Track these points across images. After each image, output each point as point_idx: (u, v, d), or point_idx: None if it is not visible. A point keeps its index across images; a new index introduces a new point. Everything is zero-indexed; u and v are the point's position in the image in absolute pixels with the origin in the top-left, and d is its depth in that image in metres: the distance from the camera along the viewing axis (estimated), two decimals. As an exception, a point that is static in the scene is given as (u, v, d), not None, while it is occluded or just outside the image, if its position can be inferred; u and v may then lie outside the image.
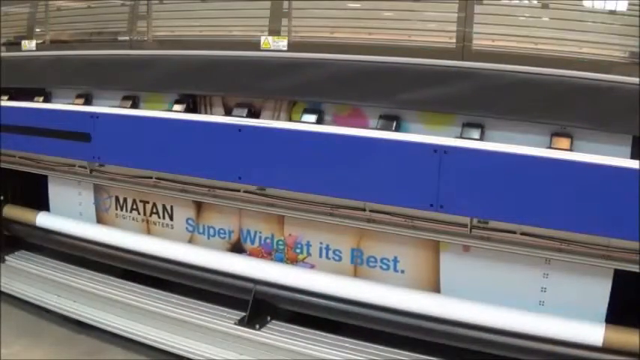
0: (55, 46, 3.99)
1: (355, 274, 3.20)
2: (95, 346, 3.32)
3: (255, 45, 3.14)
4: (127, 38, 3.69)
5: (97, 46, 3.84)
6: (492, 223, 2.70)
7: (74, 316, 3.45)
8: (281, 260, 3.39)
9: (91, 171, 3.77)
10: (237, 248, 3.52)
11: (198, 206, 3.61)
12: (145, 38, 3.62)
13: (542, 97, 2.52)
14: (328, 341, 2.97)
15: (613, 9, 2.57)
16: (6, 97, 4.01)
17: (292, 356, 2.92)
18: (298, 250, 3.34)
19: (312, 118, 3.10)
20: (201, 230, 3.63)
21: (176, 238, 3.65)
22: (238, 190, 3.28)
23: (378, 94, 2.86)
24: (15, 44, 4.13)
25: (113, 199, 3.93)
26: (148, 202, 3.79)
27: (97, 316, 3.39)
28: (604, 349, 2.48)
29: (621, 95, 2.38)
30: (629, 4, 2.53)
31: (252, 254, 3.46)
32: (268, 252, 3.44)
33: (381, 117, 2.95)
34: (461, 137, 2.73)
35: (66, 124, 3.42)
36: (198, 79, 3.30)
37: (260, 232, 3.45)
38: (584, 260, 2.59)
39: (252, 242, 3.47)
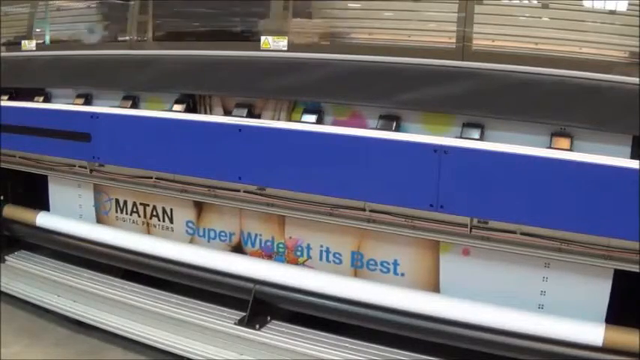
0: (55, 46, 3.99)
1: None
2: (95, 346, 3.31)
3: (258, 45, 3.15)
4: (127, 38, 3.69)
5: (97, 46, 3.85)
6: (492, 223, 2.70)
7: (74, 316, 3.45)
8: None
9: (91, 171, 3.77)
10: (237, 251, 3.52)
11: (199, 209, 3.61)
12: (145, 38, 3.63)
13: (542, 97, 2.52)
14: (328, 341, 2.97)
15: (613, 9, 2.57)
16: (6, 97, 4.01)
17: (292, 356, 2.92)
18: (299, 253, 3.33)
19: (312, 118, 3.10)
20: (201, 233, 3.63)
21: (176, 241, 3.64)
22: (238, 190, 3.28)
23: (378, 94, 2.85)
24: (15, 44, 4.13)
25: (113, 202, 3.93)
26: (148, 205, 3.78)
27: (97, 316, 3.39)
28: (604, 349, 2.47)
29: (621, 95, 2.38)
30: (629, 4, 2.53)
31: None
32: (269, 255, 3.43)
33: (381, 117, 2.95)
34: (461, 137, 2.73)
35: (66, 124, 3.42)
36: (198, 79, 3.30)
37: (260, 235, 3.44)
38: (584, 260, 2.60)
39: (253, 245, 3.47)
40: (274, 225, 3.39)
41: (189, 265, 3.38)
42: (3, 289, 3.78)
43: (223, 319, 3.18)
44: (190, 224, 3.66)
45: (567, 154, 2.41)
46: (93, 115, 3.31)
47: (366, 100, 2.94)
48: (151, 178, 3.56)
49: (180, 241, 3.63)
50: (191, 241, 3.66)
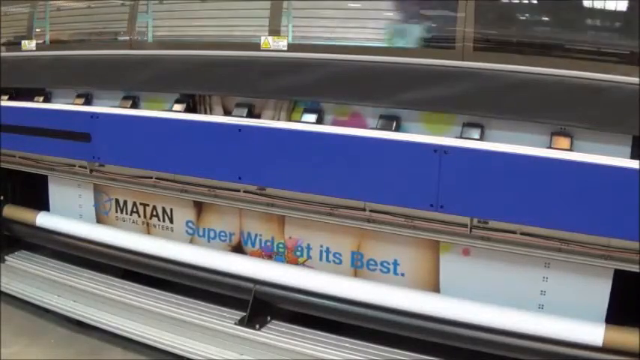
0: (55, 46, 3.99)
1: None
2: (95, 346, 3.32)
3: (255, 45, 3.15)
4: (127, 38, 3.69)
5: (97, 46, 3.85)
6: (492, 223, 2.70)
7: (74, 316, 3.45)
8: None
9: (91, 171, 3.77)
10: (237, 251, 3.51)
11: (199, 209, 3.61)
12: (145, 38, 3.63)
13: (542, 97, 2.52)
14: (328, 341, 2.97)
15: (613, 9, 2.57)
16: (6, 97, 4.01)
17: (292, 356, 2.92)
18: (298, 253, 3.33)
19: (312, 118, 3.10)
20: (201, 233, 3.63)
21: (176, 241, 3.64)
22: (238, 190, 3.28)
23: (378, 94, 2.85)
24: (15, 44, 4.13)
25: (113, 202, 3.92)
26: (147, 205, 3.78)
27: (97, 316, 3.39)
28: (604, 349, 2.47)
29: (621, 95, 2.38)
30: (629, 4, 2.53)
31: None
32: (269, 255, 3.43)
33: (381, 117, 2.95)
34: (461, 137, 2.73)
35: (66, 124, 3.42)
36: (198, 79, 3.30)
37: (260, 235, 3.44)
38: (584, 260, 2.60)
39: (253, 245, 3.47)
40: (274, 225, 3.39)
41: (189, 265, 3.38)
42: (3, 289, 3.78)
43: (223, 319, 3.18)
44: (190, 224, 3.66)
45: (567, 154, 2.41)
46: (93, 115, 3.31)
47: (366, 100, 2.94)
48: (151, 178, 3.56)
49: (180, 241, 3.63)
50: (191, 241, 3.66)
